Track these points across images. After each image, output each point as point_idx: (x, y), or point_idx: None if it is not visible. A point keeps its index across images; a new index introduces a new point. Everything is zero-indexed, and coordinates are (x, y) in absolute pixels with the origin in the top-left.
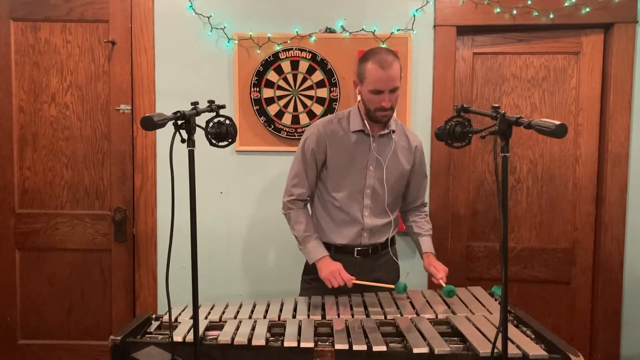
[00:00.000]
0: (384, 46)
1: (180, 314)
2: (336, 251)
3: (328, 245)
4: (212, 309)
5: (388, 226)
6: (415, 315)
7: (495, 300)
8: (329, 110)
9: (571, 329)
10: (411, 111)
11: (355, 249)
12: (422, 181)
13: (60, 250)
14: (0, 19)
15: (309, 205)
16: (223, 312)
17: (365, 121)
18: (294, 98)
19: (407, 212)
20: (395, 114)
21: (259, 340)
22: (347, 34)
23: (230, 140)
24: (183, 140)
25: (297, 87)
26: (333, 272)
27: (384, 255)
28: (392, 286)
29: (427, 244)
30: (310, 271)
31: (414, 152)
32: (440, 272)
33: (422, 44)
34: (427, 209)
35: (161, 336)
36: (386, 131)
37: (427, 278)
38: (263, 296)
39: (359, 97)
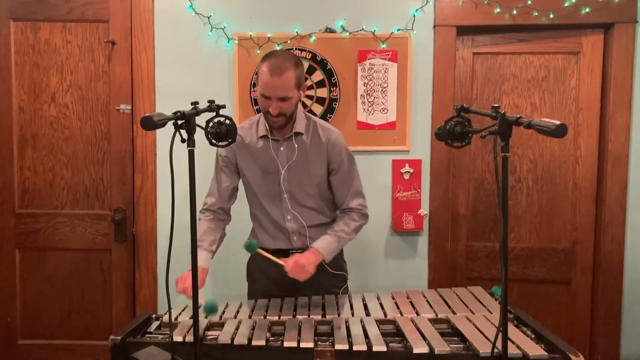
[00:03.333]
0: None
1: (180, 314)
2: (273, 255)
3: (265, 249)
4: None
5: (321, 228)
6: (415, 315)
7: (495, 300)
8: (329, 110)
9: (571, 329)
10: (411, 111)
11: (290, 251)
12: (345, 181)
13: (60, 250)
14: (0, 19)
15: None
16: (223, 312)
17: (267, 125)
18: None
19: (340, 210)
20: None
21: (259, 340)
22: (347, 34)
23: (230, 140)
24: (183, 140)
25: None
26: (181, 279)
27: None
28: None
29: (321, 240)
30: (249, 272)
31: (327, 149)
32: (289, 264)
33: (422, 44)
34: (356, 215)
35: (161, 336)
36: (289, 134)
37: (426, 278)
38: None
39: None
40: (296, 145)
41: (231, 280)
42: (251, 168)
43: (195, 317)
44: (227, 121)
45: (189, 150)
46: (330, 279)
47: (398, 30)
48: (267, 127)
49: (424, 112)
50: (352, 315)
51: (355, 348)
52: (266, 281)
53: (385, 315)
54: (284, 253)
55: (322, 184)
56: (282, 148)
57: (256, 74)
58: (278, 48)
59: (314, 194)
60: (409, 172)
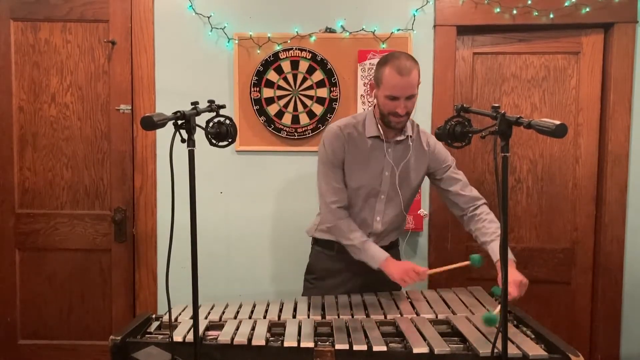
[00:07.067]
0: (408, 52)
1: (180, 314)
2: (338, 250)
3: (332, 243)
4: (212, 309)
5: (397, 230)
6: (415, 315)
7: (495, 300)
8: (329, 110)
9: (571, 329)
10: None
11: None
12: (457, 180)
13: (60, 250)
14: (0, 19)
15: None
16: (223, 312)
17: (380, 126)
18: (294, 98)
19: (464, 216)
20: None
21: (259, 340)
22: (347, 33)
23: (230, 140)
24: (183, 140)
25: (297, 87)
26: (407, 270)
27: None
28: (467, 262)
29: (496, 250)
30: (312, 271)
31: (428, 153)
32: (514, 293)
33: (422, 44)
34: (480, 201)
35: (161, 336)
36: (402, 137)
37: (426, 278)
38: (263, 296)
39: (374, 101)
40: (409, 148)
41: (231, 280)
42: (357, 166)
43: (195, 317)
44: (227, 121)
45: (189, 151)
46: None
47: (398, 30)
48: (380, 128)
49: (424, 112)
50: (352, 316)
51: (355, 348)
52: (346, 276)
53: (385, 315)
54: None
55: (416, 188)
56: (389, 150)
57: (256, 75)
58: (278, 48)
59: (407, 196)
60: None
